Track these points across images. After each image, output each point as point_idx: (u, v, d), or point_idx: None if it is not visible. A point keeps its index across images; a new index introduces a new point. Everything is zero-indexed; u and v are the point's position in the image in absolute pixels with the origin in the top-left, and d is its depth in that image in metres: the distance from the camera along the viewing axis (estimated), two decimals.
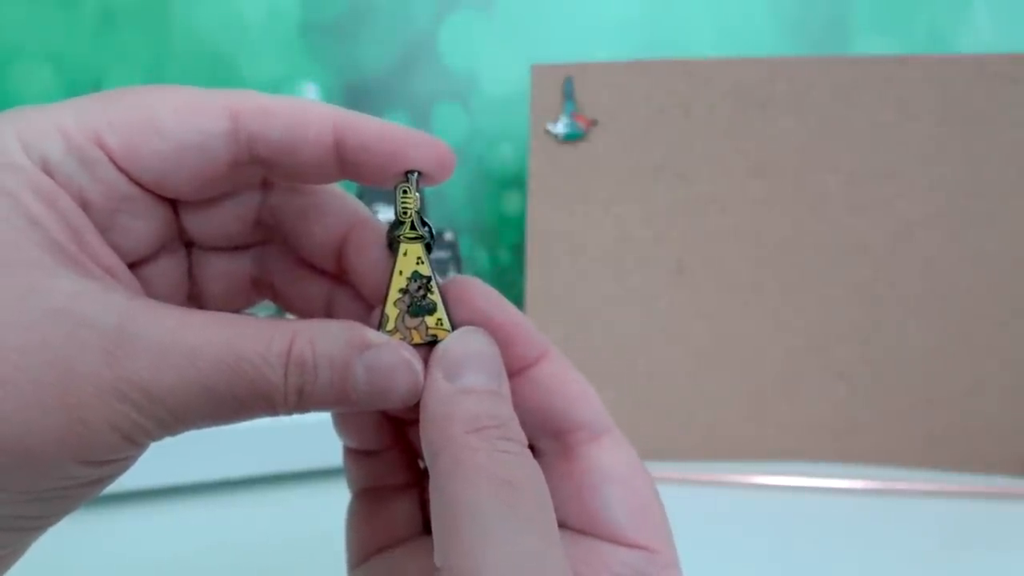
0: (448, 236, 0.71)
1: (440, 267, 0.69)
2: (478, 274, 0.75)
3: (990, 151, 0.56)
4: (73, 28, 0.68)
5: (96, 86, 0.69)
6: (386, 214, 0.69)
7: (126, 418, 0.18)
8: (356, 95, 0.75)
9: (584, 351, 0.60)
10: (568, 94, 0.58)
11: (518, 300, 0.59)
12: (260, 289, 0.26)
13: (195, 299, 0.25)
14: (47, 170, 0.20)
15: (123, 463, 0.20)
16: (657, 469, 0.56)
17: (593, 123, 0.58)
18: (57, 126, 0.20)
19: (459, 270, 0.70)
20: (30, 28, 0.67)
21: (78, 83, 0.69)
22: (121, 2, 0.69)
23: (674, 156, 0.58)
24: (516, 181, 0.78)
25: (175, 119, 0.21)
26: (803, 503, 0.54)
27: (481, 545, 0.18)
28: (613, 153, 0.58)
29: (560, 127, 0.58)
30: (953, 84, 0.55)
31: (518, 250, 0.79)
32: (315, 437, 0.51)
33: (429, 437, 0.21)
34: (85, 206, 0.20)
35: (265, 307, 0.28)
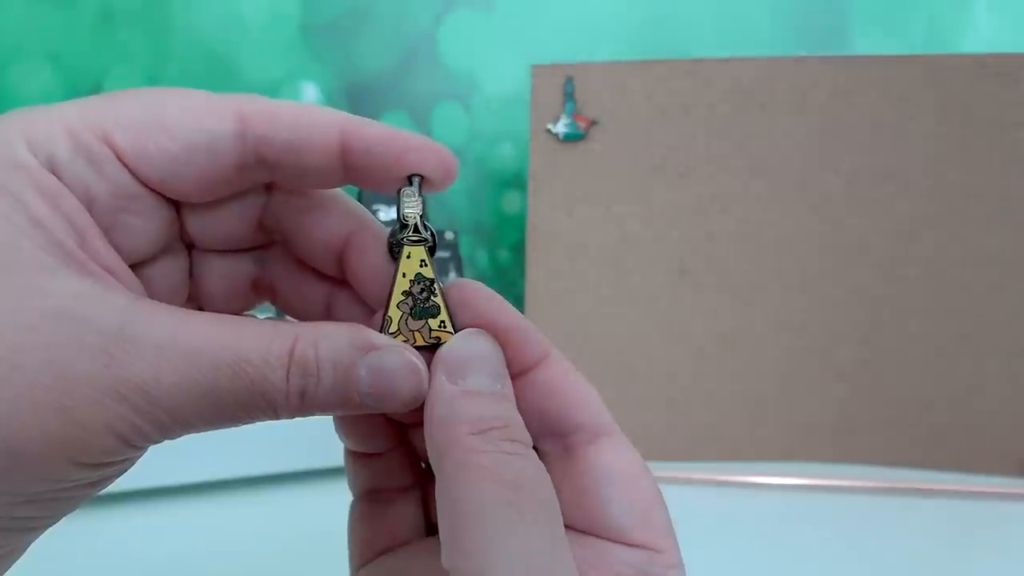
0: (448, 236, 0.71)
1: (440, 267, 0.69)
2: (478, 274, 0.76)
3: (990, 151, 0.56)
4: (73, 28, 0.68)
5: (96, 86, 0.69)
6: (387, 214, 0.69)
7: (124, 420, 0.18)
8: (356, 95, 0.74)
9: (584, 351, 0.60)
10: (568, 94, 0.58)
11: (518, 300, 0.59)
12: (261, 291, 0.26)
13: (195, 300, 0.25)
14: (53, 168, 0.19)
15: (120, 466, 0.20)
16: (657, 469, 0.56)
17: (593, 123, 0.58)
18: (64, 124, 0.20)
19: (459, 270, 0.70)
20: (30, 28, 0.67)
21: (78, 83, 0.68)
22: (121, 2, 0.69)
23: (674, 156, 0.58)
24: (516, 181, 0.78)
25: (183, 119, 0.21)
26: (803, 503, 0.54)
27: (488, 546, 0.18)
28: (613, 153, 0.58)
29: (560, 127, 0.58)
30: (953, 84, 0.55)
31: (518, 250, 0.79)
32: (315, 437, 0.51)
33: (434, 439, 0.21)
34: (90, 204, 0.20)
35: (264, 309, 0.28)
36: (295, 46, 0.73)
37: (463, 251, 0.77)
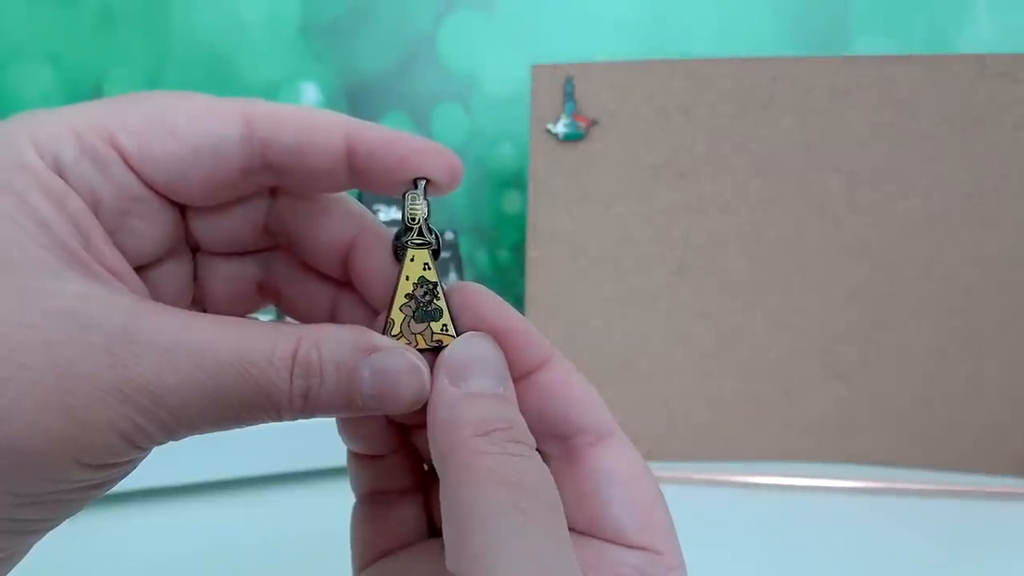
0: (448, 236, 0.71)
1: (440, 267, 0.68)
2: (478, 274, 0.76)
3: (990, 151, 0.56)
4: (73, 28, 0.68)
5: (96, 86, 0.69)
6: (386, 214, 0.69)
7: (127, 420, 0.18)
8: (356, 95, 0.74)
9: (584, 351, 0.60)
10: (568, 94, 0.58)
11: (518, 300, 0.59)
12: (265, 294, 0.26)
13: (199, 304, 0.25)
14: (59, 170, 0.20)
15: (123, 467, 0.20)
16: (657, 469, 0.56)
17: (593, 123, 0.58)
18: (71, 127, 0.20)
19: (459, 270, 0.70)
20: (30, 28, 0.67)
21: (78, 83, 0.68)
22: (121, 2, 0.69)
23: (674, 156, 0.58)
24: (516, 181, 0.78)
25: (190, 122, 0.21)
26: (803, 503, 0.54)
27: (493, 548, 0.18)
28: (613, 153, 0.58)
29: (560, 127, 0.58)
30: (953, 84, 0.55)
31: (518, 250, 0.79)
32: (315, 437, 0.51)
33: (437, 442, 0.21)
34: (96, 206, 0.20)
35: (266, 313, 0.28)
36: (295, 46, 0.73)
37: (463, 251, 0.77)
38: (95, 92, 0.68)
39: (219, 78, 0.71)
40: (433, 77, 0.75)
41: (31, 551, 0.22)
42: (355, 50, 0.74)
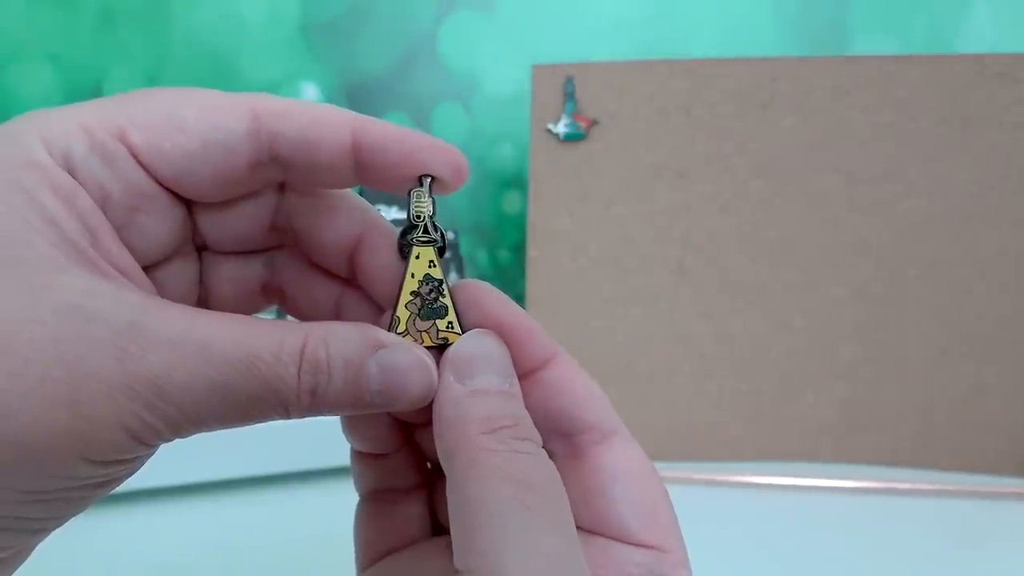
0: (449, 236, 0.71)
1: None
2: (478, 274, 0.76)
3: (990, 151, 0.56)
4: (73, 28, 0.68)
5: (96, 86, 0.69)
6: (387, 214, 0.69)
7: (135, 416, 0.18)
8: (356, 95, 0.74)
9: (584, 351, 0.60)
10: (568, 94, 0.58)
11: (518, 300, 0.59)
12: (269, 294, 0.26)
13: (204, 304, 0.25)
14: (69, 167, 0.20)
15: (130, 465, 0.20)
16: (658, 469, 0.56)
17: (593, 123, 0.58)
18: (80, 123, 0.20)
19: (460, 270, 0.70)
20: (30, 28, 0.67)
21: (78, 83, 0.68)
22: (121, 2, 0.69)
23: (675, 156, 0.58)
24: (516, 181, 0.78)
25: (198, 116, 0.21)
26: (803, 503, 0.54)
27: (500, 546, 0.18)
28: (613, 153, 0.58)
29: (560, 127, 0.58)
30: (953, 84, 0.56)
31: (518, 250, 0.79)
32: (317, 437, 0.51)
33: (444, 439, 0.21)
34: (104, 202, 0.20)
35: (267, 314, 0.28)
36: (295, 46, 0.73)
37: (464, 251, 0.77)
38: (95, 92, 0.68)
39: (219, 78, 0.71)
40: (433, 77, 0.75)
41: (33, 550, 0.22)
42: (355, 50, 0.74)
